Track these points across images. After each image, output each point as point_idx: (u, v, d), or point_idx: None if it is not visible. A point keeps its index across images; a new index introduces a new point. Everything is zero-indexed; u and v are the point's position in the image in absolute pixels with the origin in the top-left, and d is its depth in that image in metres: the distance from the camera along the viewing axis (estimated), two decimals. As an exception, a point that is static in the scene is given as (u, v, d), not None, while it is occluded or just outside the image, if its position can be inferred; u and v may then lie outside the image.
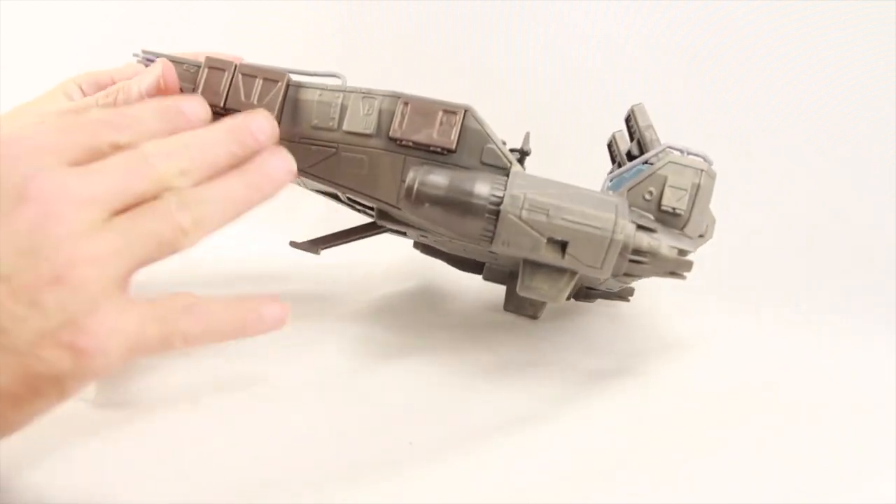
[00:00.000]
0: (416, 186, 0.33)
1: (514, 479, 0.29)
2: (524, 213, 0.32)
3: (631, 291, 0.44)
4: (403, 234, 0.40)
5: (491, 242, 0.33)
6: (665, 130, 0.39)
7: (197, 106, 0.28)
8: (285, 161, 0.28)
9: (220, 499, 0.26)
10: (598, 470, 0.30)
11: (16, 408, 0.22)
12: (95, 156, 0.25)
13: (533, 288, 0.33)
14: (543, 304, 0.45)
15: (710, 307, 0.49)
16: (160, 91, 0.35)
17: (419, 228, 0.36)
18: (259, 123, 0.28)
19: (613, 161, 0.43)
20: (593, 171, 0.44)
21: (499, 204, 0.32)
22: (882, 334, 0.48)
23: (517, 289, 0.34)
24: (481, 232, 0.33)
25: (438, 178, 0.33)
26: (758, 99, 0.57)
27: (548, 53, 0.60)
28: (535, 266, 0.33)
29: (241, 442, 0.29)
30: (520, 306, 0.45)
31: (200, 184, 0.26)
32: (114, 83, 0.37)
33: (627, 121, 0.41)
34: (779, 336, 0.48)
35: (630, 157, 0.40)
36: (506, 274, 0.45)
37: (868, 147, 0.55)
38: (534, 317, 0.45)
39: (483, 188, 0.33)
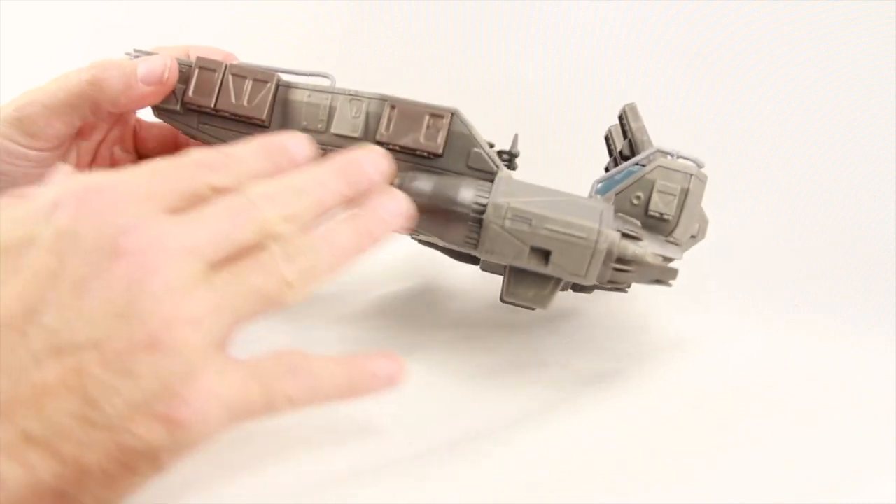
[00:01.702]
0: None
1: (514, 479, 0.29)
2: (507, 223, 0.32)
3: (628, 283, 0.44)
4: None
5: (475, 249, 0.33)
6: (662, 129, 0.39)
7: (303, 143, 0.26)
8: (399, 203, 0.27)
9: (218, 499, 0.26)
10: (598, 470, 0.30)
11: (107, 487, 0.20)
12: (195, 201, 0.23)
13: (518, 294, 0.34)
14: (543, 294, 0.45)
15: (709, 307, 0.49)
16: (160, 83, 0.34)
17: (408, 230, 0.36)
18: (373, 160, 0.26)
19: (611, 154, 0.43)
20: (589, 169, 0.44)
21: (482, 212, 0.32)
22: (882, 334, 0.48)
23: (502, 295, 0.34)
24: (465, 239, 0.33)
25: (422, 185, 0.33)
26: (757, 97, 0.57)
27: (543, 52, 0.60)
28: (521, 272, 0.33)
29: (240, 442, 0.29)
30: (517, 297, 0.45)
31: (307, 229, 0.24)
32: None
33: (620, 119, 0.41)
34: (778, 336, 0.47)
35: (622, 156, 0.40)
36: (502, 266, 0.45)
37: (868, 146, 0.55)
38: (531, 308, 0.45)
39: (467, 195, 0.33)
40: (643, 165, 0.35)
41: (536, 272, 0.33)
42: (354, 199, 0.26)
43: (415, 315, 0.47)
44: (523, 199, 0.32)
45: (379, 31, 0.62)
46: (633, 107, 0.39)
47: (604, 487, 0.29)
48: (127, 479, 0.20)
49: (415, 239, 0.45)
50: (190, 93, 0.35)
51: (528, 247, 0.32)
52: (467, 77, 0.61)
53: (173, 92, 0.36)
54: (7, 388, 0.19)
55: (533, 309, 0.45)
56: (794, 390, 0.40)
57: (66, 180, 0.22)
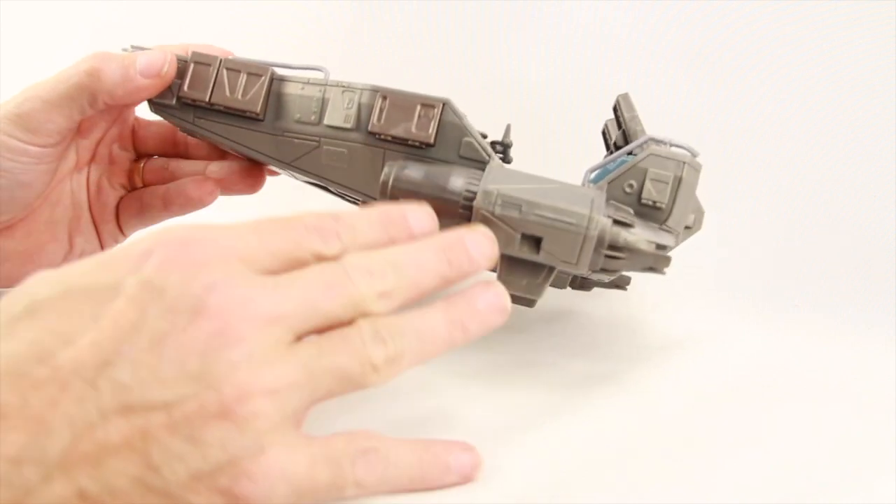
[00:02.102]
0: (390, 182, 0.33)
1: (514, 478, 0.29)
2: (497, 210, 0.32)
3: (627, 280, 0.44)
4: None
5: None
6: (661, 127, 0.39)
7: (425, 217, 0.25)
8: (500, 297, 0.25)
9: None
10: (598, 470, 0.30)
11: None
12: (293, 266, 0.22)
13: (511, 283, 0.33)
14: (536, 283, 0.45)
15: (709, 307, 0.49)
16: (159, 76, 0.34)
17: None
18: (478, 243, 0.25)
19: (608, 148, 0.43)
20: (585, 161, 0.44)
21: (472, 199, 0.32)
22: (882, 334, 0.48)
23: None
24: (455, 227, 0.33)
25: (413, 173, 0.33)
26: (757, 97, 0.57)
27: (541, 50, 0.60)
28: (513, 261, 0.33)
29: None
30: (510, 284, 0.45)
31: (400, 309, 0.23)
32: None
33: (615, 110, 0.41)
34: (778, 336, 0.47)
35: (616, 147, 0.40)
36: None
37: (867, 145, 0.55)
38: (529, 305, 0.45)
39: (457, 182, 0.33)
40: (635, 154, 0.35)
41: (529, 260, 0.33)
42: (454, 282, 0.24)
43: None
44: (513, 186, 0.32)
45: (378, 29, 0.62)
46: (626, 97, 0.39)
47: (604, 487, 0.29)
48: None
49: None
50: (185, 87, 0.35)
51: (518, 234, 0.32)
52: (466, 75, 0.61)
53: (169, 87, 0.36)
54: (69, 441, 0.18)
55: (530, 306, 0.45)
56: (794, 390, 0.40)
57: (163, 230, 0.22)
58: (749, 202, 0.54)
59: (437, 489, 0.24)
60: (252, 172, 0.40)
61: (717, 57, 0.57)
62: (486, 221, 0.32)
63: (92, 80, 0.34)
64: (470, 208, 0.32)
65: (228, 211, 0.47)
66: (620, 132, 0.39)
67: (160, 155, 0.41)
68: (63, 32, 0.66)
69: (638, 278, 0.45)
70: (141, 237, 0.22)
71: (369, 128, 0.34)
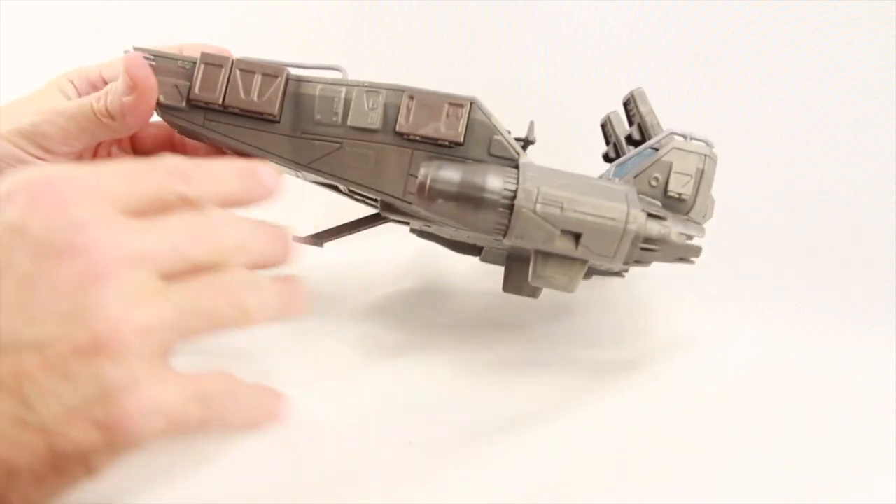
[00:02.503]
0: (428, 183, 0.33)
1: (515, 478, 0.29)
2: (538, 207, 0.32)
3: (626, 268, 0.44)
4: (407, 223, 0.40)
5: (504, 236, 0.33)
6: (664, 117, 0.40)
7: (274, 175, 0.27)
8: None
9: (218, 499, 0.26)
10: (599, 469, 0.30)
11: (36, 488, 0.20)
12: (158, 207, 0.23)
13: (545, 278, 0.34)
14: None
15: (709, 307, 0.49)
16: (135, 90, 0.33)
17: (424, 219, 0.36)
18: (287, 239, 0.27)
19: (608, 142, 0.43)
20: (587, 162, 0.44)
21: (512, 198, 0.32)
22: (882, 334, 0.48)
23: (528, 279, 0.34)
24: (494, 226, 0.33)
25: (450, 174, 0.33)
26: (757, 97, 0.57)
27: (543, 49, 0.60)
28: (546, 256, 0.33)
29: (238, 442, 0.29)
30: (519, 287, 0.45)
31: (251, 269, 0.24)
32: (102, 78, 0.36)
33: (626, 104, 0.41)
34: (778, 336, 0.48)
35: (631, 141, 0.40)
36: (504, 255, 0.45)
37: (868, 144, 0.55)
38: (532, 296, 0.46)
39: (496, 182, 0.33)
40: (656, 149, 0.36)
41: (562, 255, 0.33)
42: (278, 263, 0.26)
43: (416, 314, 0.47)
44: (552, 184, 0.32)
45: (380, 29, 0.62)
46: (641, 92, 0.40)
47: (604, 486, 0.29)
48: (57, 481, 0.20)
49: (414, 233, 0.45)
50: (196, 89, 0.34)
51: (558, 230, 0.32)
52: (466, 75, 0.61)
53: (177, 88, 0.35)
54: None
55: (534, 297, 0.45)
56: (794, 390, 0.40)
57: (21, 172, 0.22)
58: (749, 202, 0.55)
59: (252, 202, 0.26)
60: None
61: (716, 56, 0.58)
62: (527, 219, 0.32)
63: (116, 123, 0.34)
64: (509, 206, 0.32)
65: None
66: (635, 126, 0.40)
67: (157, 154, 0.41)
68: (63, 32, 0.66)
69: (638, 278, 0.45)
70: (5, 181, 0.22)
71: (397, 128, 0.34)
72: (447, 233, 0.41)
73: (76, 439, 0.19)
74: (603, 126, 0.43)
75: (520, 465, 0.29)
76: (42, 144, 0.34)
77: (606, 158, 0.42)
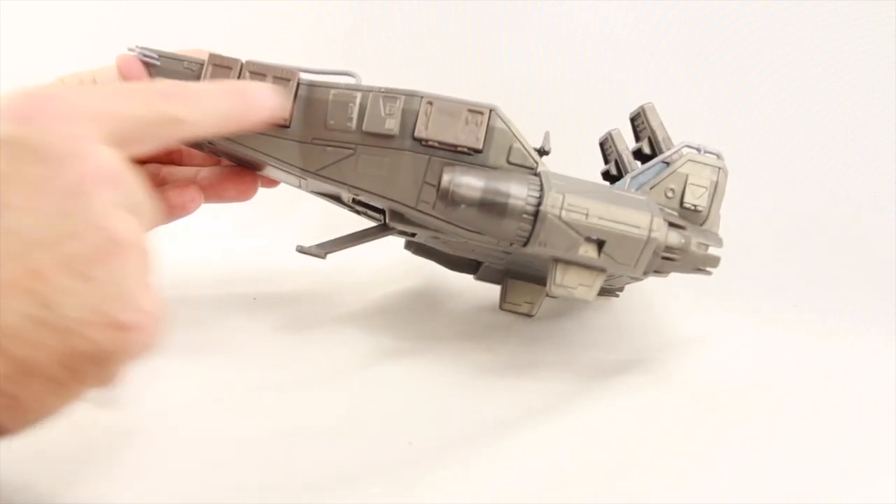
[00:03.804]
0: (451, 188, 0.33)
1: (515, 478, 0.29)
2: (564, 214, 0.32)
3: (621, 287, 0.45)
4: (412, 235, 0.40)
5: (525, 243, 0.33)
6: (663, 117, 0.40)
7: (269, 95, 0.28)
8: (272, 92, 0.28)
9: (219, 499, 0.26)
10: (598, 469, 0.30)
11: (51, 391, 0.20)
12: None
13: (565, 286, 0.34)
14: (539, 302, 0.45)
15: (709, 307, 0.49)
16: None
17: (434, 229, 0.35)
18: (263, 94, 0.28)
19: (606, 161, 0.43)
20: (584, 160, 0.44)
21: (537, 205, 0.32)
22: (882, 334, 0.48)
23: (548, 289, 0.34)
24: (517, 233, 0.33)
25: (474, 180, 0.33)
26: (757, 98, 0.57)
27: (538, 45, 0.60)
28: (567, 265, 0.34)
29: (239, 442, 0.29)
30: (515, 305, 0.45)
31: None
32: (95, 82, 0.35)
33: (634, 119, 0.41)
34: (778, 336, 0.48)
35: (640, 156, 0.40)
36: (500, 273, 0.45)
37: (867, 145, 0.55)
38: (529, 315, 0.46)
39: (520, 189, 0.33)
40: (667, 163, 0.37)
41: (580, 264, 0.33)
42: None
43: (415, 315, 0.47)
44: (576, 191, 0.33)
45: (380, 31, 0.62)
46: (651, 106, 0.40)
47: (604, 486, 0.29)
48: (71, 385, 0.20)
49: (409, 249, 0.45)
50: None
51: (582, 238, 0.32)
52: (467, 74, 0.61)
53: None
54: None
55: (531, 316, 0.46)
56: (794, 390, 0.40)
57: (16, 90, 0.22)
58: (749, 203, 0.55)
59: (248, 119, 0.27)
60: (244, 178, 0.39)
61: (716, 57, 0.58)
62: (553, 226, 0.32)
63: None
64: (534, 213, 0.32)
65: (224, 215, 0.48)
66: (646, 141, 0.40)
67: (154, 161, 0.41)
68: (63, 32, 0.66)
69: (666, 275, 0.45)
70: (1, 98, 0.22)
71: (415, 133, 0.33)
72: (449, 246, 0.41)
73: (95, 339, 0.20)
74: (602, 144, 0.43)
75: (520, 465, 0.30)
76: None
77: (606, 176, 0.43)
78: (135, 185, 0.22)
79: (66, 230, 0.20)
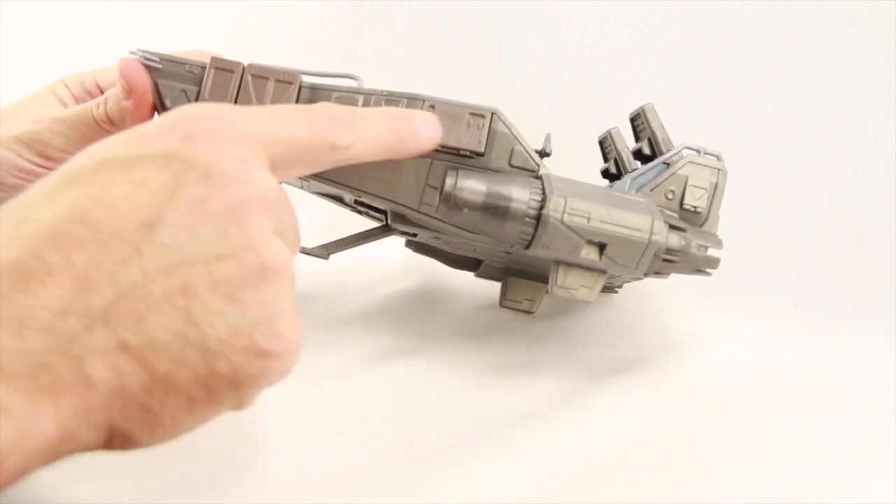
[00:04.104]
0: (454, 192, 0.33)
1: (515, 478, 0.29)
2: (566, 218, 0.32)
3: (621, 284, 0.45)
4: (414, 235, 0.40)
5: (528, 246, 0.33)
6: (664, 117, 0.40)
7: (432, 125, 0.28)
8: (432, 121, 0.29)
9: (219, 499, 0.26)
10: (598, 469, 0.30)
11: (187, 409, 0.20)
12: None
13: (566, 287, 0.34)
14: (540, 299, 0.46)
15: (709, 308, 0.49)
16: (132, 94, 0.33)
17: (436, 230, 0.36)
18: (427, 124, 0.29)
19: (606, 159, 0.43)
20: (584, 161, 0.44)
21: (540, 208, 0.33)
22: (882, 334, 0.48)
23: (549, 290, 0.34)
24: (519, 236, 0.33)
25: (476, 184, 0.33)
26: (757, 97, 0.57)
27: (537, 45, 0.60)
28: (568, 266, 0.34)
29: (239, 442, 0.29)
30: (516, 302, 0.45)
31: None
32: (97, 84, 0.36)
33: (634, 120, 0.41)
34: (778, 336, 0.48)
35: (639, 156, 0.41)
36: (501, 271, 0.45)
37: (867, 145, 0.55)
38: (529, 312, 0.46)
39: (522, 193, 0.33)
40: (667, 164, 0.37)
41: (581, 266, 0.34)
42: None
43: (416, 315, 0.47)
44: (578, 194, 0.33)
45: (380, 31, 0.62)
46: (651, 107, 0.40)
47: (604, 486, 0.29)
48: (208, 406, 0.20)
49: (410, 247, 0.45)
50: (206, 94, 0.33)
51: (584, 241, 0.33)
52: (467, 75, 0.61)
53: (184, 93, 0.34)
54: (112, 298, 0.19)
55: (531, 313, 0.46)
56: (794, 390, 0.40)
57: (188, 107, 0.23)
58: (749, 203, 0.55)
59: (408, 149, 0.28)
60: None
61: (716, 57, 0.58)
62: (555, 229, 0.32)
63: (117, 129, 0.34)
64: (536, 217, 0.33)
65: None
66: (646, 141, 0.40)
67: None
68: (63, 32, 0.66)
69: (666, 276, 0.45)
70: (168, 114, 0.23)
71: None
72: (450, 246, 0.41)
73: (234, 362, 0.20)
74: (601, 142, 0.44)
75: (520, 465, 0.30)
76: (42, 152, 0.34)
77: (605, 174, 0.43)
78: (287, 210, 0.22)
79: (221, 251, 0.20)
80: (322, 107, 0.25)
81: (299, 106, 0.25)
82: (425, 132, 0.28)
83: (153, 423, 0.20)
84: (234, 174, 0.21)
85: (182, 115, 0.22)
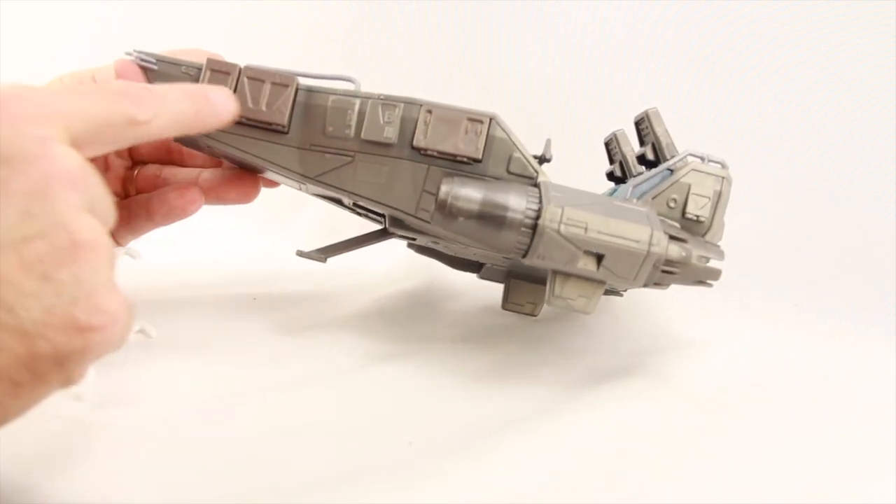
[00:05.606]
0: (449, 200, 0.32)
1: (515, 479, 0.29)
2: (562, 228, 0.32)
3: (625, 288, 0.44)
4: (413, 238, 0.39)
5: (524, 256, 0.33)
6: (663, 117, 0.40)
7: (228, 99, 0.28)
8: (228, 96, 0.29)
9: (219, 499, 0.26)
10: (599, 470, 0.30)
11: (13, 394, 0.20)
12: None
13: (563, 297, 0.33)
14: (542, 302, 0.45)
15: (709, 308, 0.49)
16: None
17: (434, 235, 0.35)
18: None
19: (612, 161, 0.43)
20: (584, 163, 0.44)
21: (536, 218, 0.32)
22: (882, 334, 0.49)
23: (546, 300, 0.34)
24: (515, 245, 0.32)
25: (472, 192, 0.32)
26: (757, 98, 0.57)
27: (537, 46, 0.60)
28: (565, 276, 0.33)
29: (239, 442, 0.29)
30: (518, 305, 0.45)
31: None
32: (95, 82, 0.35)
33: (639, 124, 0.41)
34: (778, 336, 0.48)
35: (643, 161, 0.40)
36: (503, 273, 0.45)
37: (868, 146, 0.55)
38: (532, 315, 0.46)
39: (518, 202, 0.32)
40: (671, 170, 0.36)
41: (581, 276, 0.33)
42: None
43: (414, 316, 0.47)
44: (575, 204, 0.32)
45: (380, 32, 0.62)
46: (655, 111, 0.40)
47: (603, 486, 0.29)
48: (34, 388, 0.20)
49: (412, 248, 0.45)
50: None
51: (581, 251, 0.32)
52: (466, 76, 0.61)
53: None
54: None
55: (534, 315, 0.45)
56: (794, 390, 0.40)
57: None
58: (749, 204, 0.55)
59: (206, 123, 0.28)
60: (245, 181, 0.38)
61: (716, 58, 0.58)
62: (551, 240, 0.32)
63: None
64: (532, 227, 0.32)
65: (221, 218, 0.48)
66: (650, 146, 0.39)
67: (154, 162, 0.40)
68: (63, 32, 0.66)
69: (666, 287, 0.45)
70: None
71: (414, 143, 0.33)
72: (451, 249, 0.41)
73: (55, 341, 0.20)
74: (607, 144, 0.43)
75: (519, 465, 0.29)
76: None
77: (611, 177, 0.42)
78: (96, 185, 0.22)
79: (29, 232, 0.19)
80: (118, 83, 0.25)
81: (95, 84, 0.24)
82: (221, 106, 0.28)
83: None
84: (35, 152, 0.20)
85: None
